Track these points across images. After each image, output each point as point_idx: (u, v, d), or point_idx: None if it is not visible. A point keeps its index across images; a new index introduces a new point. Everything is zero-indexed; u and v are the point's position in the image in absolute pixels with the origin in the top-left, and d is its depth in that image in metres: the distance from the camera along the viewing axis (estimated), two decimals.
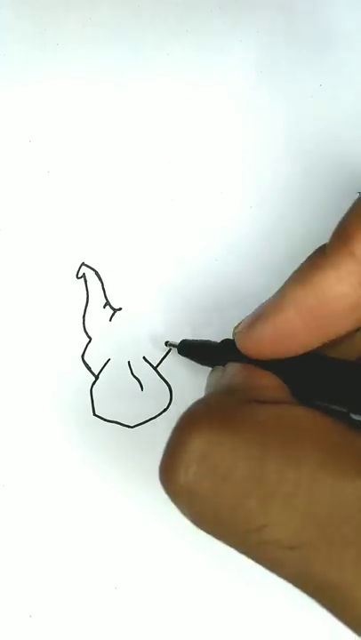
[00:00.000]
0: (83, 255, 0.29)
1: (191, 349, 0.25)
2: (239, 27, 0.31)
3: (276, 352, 0.17)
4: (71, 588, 0.27)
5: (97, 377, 0.28)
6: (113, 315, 0.28)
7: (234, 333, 0.21)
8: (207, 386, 0.21)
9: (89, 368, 0.28)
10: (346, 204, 0.31)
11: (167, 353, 0.28)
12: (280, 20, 0.31)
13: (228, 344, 0.23)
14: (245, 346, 0.18)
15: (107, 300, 0.28)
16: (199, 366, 0.29)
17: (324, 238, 0.30)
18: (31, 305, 0.28)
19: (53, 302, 0.28)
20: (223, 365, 0.21)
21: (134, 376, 0.28)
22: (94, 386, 0.28)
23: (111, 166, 0.29)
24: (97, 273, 0.28)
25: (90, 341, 0.28)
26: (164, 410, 0.28)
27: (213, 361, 0.23)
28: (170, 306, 0.29)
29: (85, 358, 0.28)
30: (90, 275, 0.28)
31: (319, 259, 0.17)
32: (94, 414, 0.28)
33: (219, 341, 0.24)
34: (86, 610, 0.27)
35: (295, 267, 0.31)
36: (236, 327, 0.22)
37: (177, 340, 0.27)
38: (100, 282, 0.28)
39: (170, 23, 0.30)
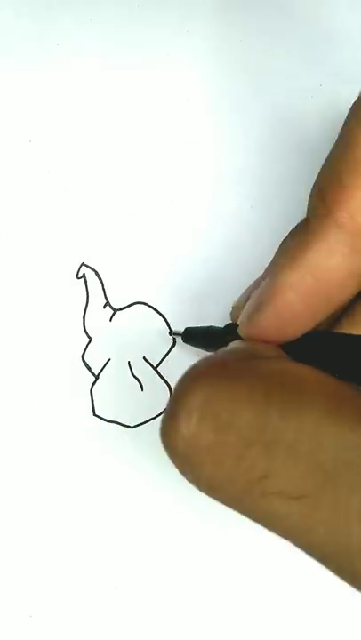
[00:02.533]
0: (83, 255, 0.29)
1: (195, 336, 0.25)
2: (239, 27, 0.31)
3: (281, 336, 0.18)
4: (71, 589, 0.27)
5: (97, 377, 0.28)
6: (113, 315, 0.28)
7: (231, 314, 0.22)
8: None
9: (89, 368, 0.28)
10: None
11: (168, 353, 0.28)
12: (280, 20, 0.31)
13: (231, 328, 0.23)
14: (251, 336, 0.18)
15: (107, 300, 0.28)
16: None
17: None
18: (31, 305, 0.28)
19: (53, 302, 0.28)
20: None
21: (134, 376, 0.28)
22: (94, 386, 0.28)
23: (111, 166, 0.29)
24: (97, 273, 0.28)
25: (90, 341, 0.28)
26: (164, 410, 0.28)
27: (218, 347, 0.23)
28: (170, 306, 0.29)
29: (85, 358, 0.28)
30: (90, 275, 0.28)
31: (306, 235, 0.17)
32: (94, 414, 0.28)
33: (222, 326, 0.24)
34: (86, 610, 0.27)
35: None
36: (233, 308, 0.22)
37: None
38: (100, 282, 0.28)
39: (170, 23, 0.30)
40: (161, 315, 0.29)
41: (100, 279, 0.28)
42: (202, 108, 0.30)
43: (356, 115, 0.17)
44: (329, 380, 0.15)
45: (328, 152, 0.31)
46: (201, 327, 0.25)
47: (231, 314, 0.23)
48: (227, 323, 0.24)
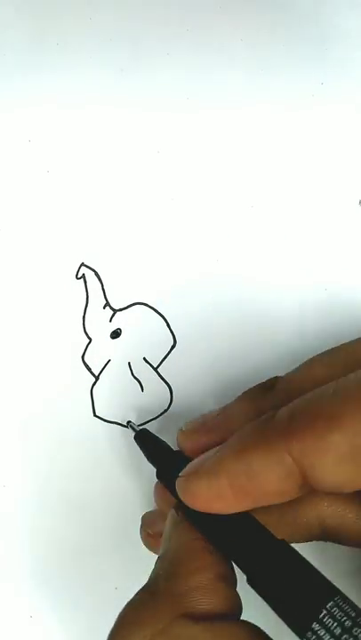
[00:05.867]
0: (83, 255, 0.29)
1: (146, 442, 0.26)
2: (240, 25, 0.30)
3: (209, 509, 0.19)
4: (71, 589, 0.27)
5: (97, 377, 0.28)
6: (113, 315, 0.28)
7: (177, 438, 0.24)
8: (164, 532, 0.22)
9: (89, 369, 0.28)
10: (346, 204, 0.31)
11: (168, 353, 0.28)
12: (281, 19, 0.31)
13: (177, 456, 0.24)
14: (183, 497, 0.20)
15: (107, 300, 0.28)
16: (200, 367, 0.29)
17: (325, 238, 0.30)
18: (31, 305, 0.28)
19: (53, 302, 0.28)
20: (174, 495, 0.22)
21: (134, 377, 0.28)
22: (95, 386, 0.28)
23: (111, 166, 0.29)
24: (97, 273, 0.28)
25: (90, 342, 0.28)
26: (165, 410, 0.28)
27: (161, 465, 0.24)
28: (170, 306, 0.29)
29: (85, 359, 0.28)
30: (90, 275, 0.28)
31: (259, 438, 0.18)
32: (94, 415, 0.28)
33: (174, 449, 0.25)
34: (87, 610, 0.27)
35: (295, 267, 0.31)
36: (180, 432, 0.24)
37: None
38: (99, 282, 0.28)
39: (170, 23, 0.30)
40: (161, 315, 0.28)
41: (100, 279, 0.28)
42: (202, 108, 0.30)
43: None
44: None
45: (328, 153, 0.31)
46: (156, 438, 0.26)
47: (177, 438, 0.24)
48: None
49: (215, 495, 0.19)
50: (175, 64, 0.30)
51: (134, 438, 0.26)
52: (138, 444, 0.26)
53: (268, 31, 0.31)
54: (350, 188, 0.31)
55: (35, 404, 0.28)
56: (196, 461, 0.20)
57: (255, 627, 0.18)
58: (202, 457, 0.20)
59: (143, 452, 0.25)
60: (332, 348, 0.22)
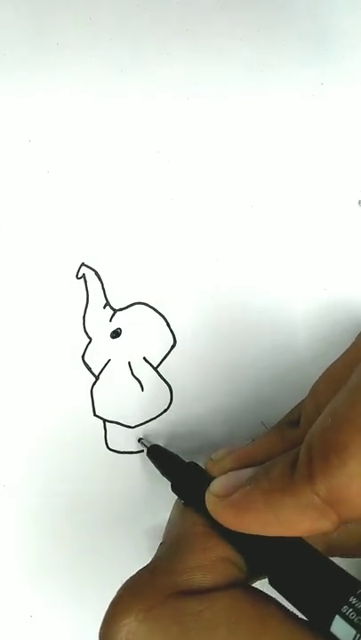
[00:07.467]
0: (83, 255, 0.29)
1: (159, 457, 0.26)
2: (240, 25, 0.30)
3: (234, 528, 0.19)
4: (71, 588, 0.27)
5: (97, 377, 0.28)
6: (113, 315, 0.28)
7: (206, 465, 0.24)
8: (168, 521, 0.23)
9: (89, 368, 0.28)
10: (346, 204, 0.31)
11: (168, 353, 0.28)
12: (281, 19, 0.31)
13: (192, 468, 0.25)
14: (210, 510, 0.20)
15: (107, 300, 0.28)
16: (200, 367, 0.29)
17: (325, 238, 0.30)
18: (31, 305, 0.28)
19: (53, 302, 0.28)
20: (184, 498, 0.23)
21: (134, 376, 0.28)
22: (95, 386, 0.28)
23: (111, 166, 0.29)
24: (97, 273, 0.28)
25: (90, 342, 0.28)
26: (165, 410, 0.28)
27: (175, 478, 0.25)
28: (170, 306, 0.29)
29: (85, 358, 0.28)
30: (90, 275, 0.28)
31: (287, 486, 0.18)
32: (94, 414, 0.28)
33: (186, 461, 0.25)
34: (87, 610, 0.27)
35: (295, 267, 0.31)
36: (210, 460, 0.24)
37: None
38: (99, 282, 0.28)
39: (170, 23, 0.30)
40: (161, 315, 0.28)
41: (100, 279, 0.28)
42: (202, 108, 0.30)
43: None
44: (242, 617, 0.17)
45: (328, 153, 0.31)
46: (167, 452, 0.26)
47: (206, 466, 0.24)
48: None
49: (241, 523, 0.19)
50: (175, 64, 0.30)
51: (147, 455, 0.27)
52: (150, 459, 0.27)
53: (268, 31, 0.31)
54: (350, 188, 0.31)
55: (35, 403, 0.28)
56: (227, 482, 0.20)
57: (256, 591, 0.18)
58: (233, 479, 0.20)
59: (157, 467, 0.26)
60: (331, 365, 0.22)
